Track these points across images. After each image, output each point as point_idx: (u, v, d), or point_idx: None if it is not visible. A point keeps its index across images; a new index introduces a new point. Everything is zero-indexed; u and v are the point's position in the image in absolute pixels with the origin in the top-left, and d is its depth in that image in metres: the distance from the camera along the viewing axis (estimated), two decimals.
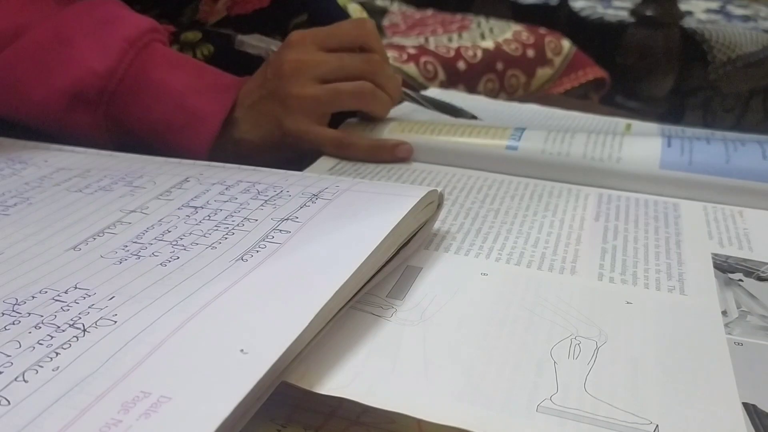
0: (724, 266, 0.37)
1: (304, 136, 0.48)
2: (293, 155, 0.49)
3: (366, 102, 0.50)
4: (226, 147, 0.49)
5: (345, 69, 0.48)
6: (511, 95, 1.27)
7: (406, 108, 0.60)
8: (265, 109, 0.48)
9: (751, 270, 0.36)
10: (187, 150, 0.47)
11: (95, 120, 0.48)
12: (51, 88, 0.47)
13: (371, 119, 0.53)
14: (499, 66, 1.28)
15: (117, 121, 0.49)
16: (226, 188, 0.39)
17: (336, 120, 0.54)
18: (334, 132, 0.50)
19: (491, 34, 1.37)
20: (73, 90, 0.47)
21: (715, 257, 0.38)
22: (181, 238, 0.33)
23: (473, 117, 0.56)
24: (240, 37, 0.54)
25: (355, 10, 0.73)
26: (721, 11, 1.84)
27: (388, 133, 0.52)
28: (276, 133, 0.48)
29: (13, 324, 0.27)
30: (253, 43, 0.54)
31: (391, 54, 1.17)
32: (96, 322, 0.27)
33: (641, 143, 0.48)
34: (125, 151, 0.47)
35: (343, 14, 0.73)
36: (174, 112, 0.48)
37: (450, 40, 1.33)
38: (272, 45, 0.53)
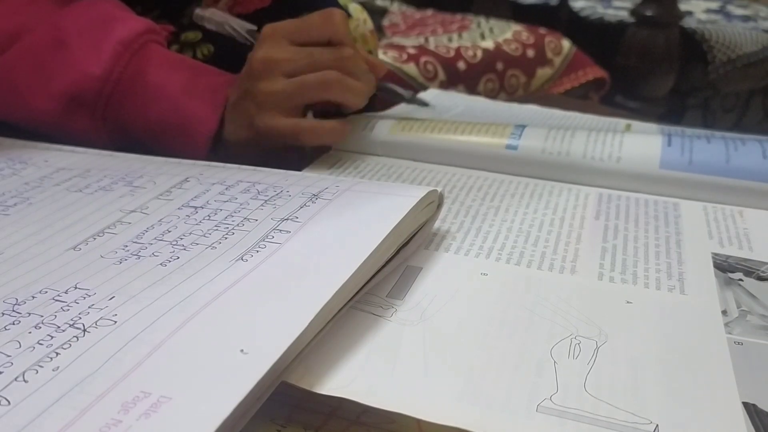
0: (724, 266, 0.37)
1: (272, 131, 0.47)
2: (285, 152, 0.49)
3: (334, 91, 0.48)
4: (219, 148, 0.49)
5: (314, 64, 0.48)
6: (511, 95, 1.27)
7: (406, 107, 0.60)
8: (242, 109, 0.48)
9: (751, 270, 0.36)
10: (184, 152, 0.47)
11: (94, 123, 0.48)
12: (49, 92, 0.47)
13: (350, 112, 0.51)
14: (499, 66, 1.28)
15: (115, 123, 0.49)
16: (226, 188, 0.39)
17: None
18: (292, 120, 0.48)
19: (491, 34, 1.37)
20: (70, 93, 0.47)
21: (715, 257, 0.38)
22: (181, 238, 0.33)
23: (425, 104, 0.56)
24: (198, 11, 0.53)
25: (356, 10, 0.73)
26: (721, 11, 1.84)
27: (389, 131, 0.52)
28: (251, 132, 0.48)
29: (13, 324, 0.27)
30: (210, 17, 0.53)
31: (391, 54, 1.17)
32: (96, 322, 0.27)
33: (641, 143, 0.48)
34: (125, 152, 0.47)
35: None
36: (170, 115, 0.48)
37: (450, 40, 1.33)
38: (230, 20, 0.53)
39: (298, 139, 0.48)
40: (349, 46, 0.49)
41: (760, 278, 0.36)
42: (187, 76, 0.49)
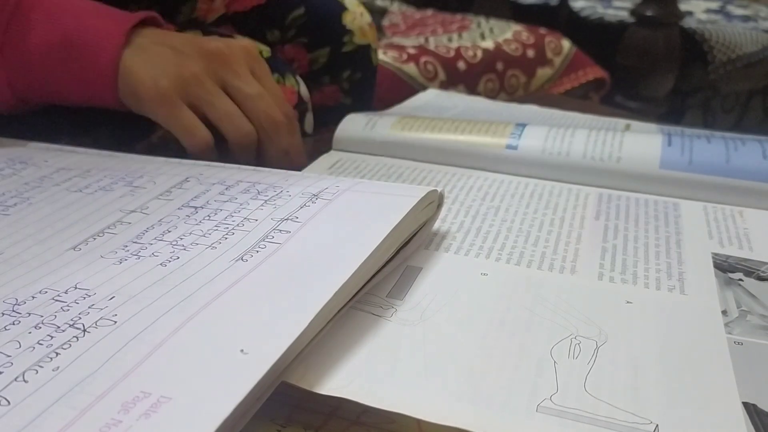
0: (724, 266, 0.37)
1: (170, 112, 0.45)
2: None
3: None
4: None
5: (253, 107, 0.45)
6: (511, 95, 1.27)
7: (407, 105, 0.61)
8: (167, 59, 0.45)
9: (751, 270, 0.36)
10: (92, 71, 0.44)
11: None
12: None
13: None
14: (499, 66, 1.28)
15: (12, 55, 0.45)
16: (226, 188, 0.39)
17: (336, 119, 0.54)
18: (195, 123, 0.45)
19: (491, 34, 1.37)
20: None
21: (715, 257, 0.38)
22: (181, 238, 0.33)
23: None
24: None
25: (353, 4, 0.72)
26: (721, 11, 1.84)
27: (390, 130, 0.52)
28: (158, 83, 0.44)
29: (13, 324, 0.27)
30: None
31: (391, 54, 1.17)
32: (96, 322, 0.27)
33: (641, 143, 0.48)
34: (23, 108, 0.44)
35: (339, 7, 0.72)
36: (72, 31, 0.45)
37: (450, 40, 1.33)
38: None
39: (181, 135, 0.45)
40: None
41: (760, 278, 0.36)
42: (89, 2, 0.47)
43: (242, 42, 0.47)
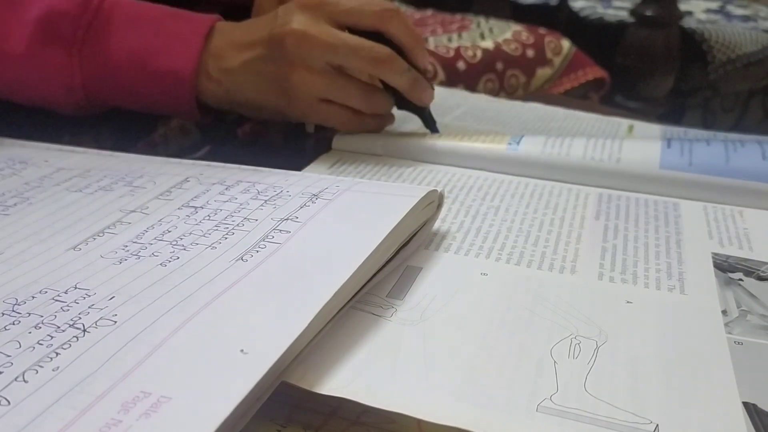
0: (724, 266, 0.37)
1: (308, 117, 0.48)
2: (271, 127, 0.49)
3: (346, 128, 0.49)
4: (214, 85, 0.47)
5: (351, 63, 0.46)
6: (511, 95, 1.27)
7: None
8: (268, 70, 0.46)
9: (751, 269, 0.36)
10: (172, 73, 0.46)
11: (69, 59, 0.46)
12: (23, 19, 0.45)
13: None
14: (499, 66, 1.28)
15: (91, 58, 0.46)
16: (226, 188, 0.39)
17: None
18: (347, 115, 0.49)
19: (491, 34, 1.37)
20: (46, 20, 0.45)
21: (715, 257, 0.38)
22: (181, 238, 0.33)
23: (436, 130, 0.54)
24: None
25: None
26: (721, 11, 1.84)
27: (388, 134, 0.52)
28: (277, 102, 0.47)
29: (13, 324, 0.27)
30: None
31: None
32: (96, 322, 0.27)
33: (641, 144, 0.48)
34: (97, 105, 0.45)
35: None
36: (153, 37, 0.46)
37: (450, 40, 1.33)
38: None
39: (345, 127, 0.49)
40: (408, 44, 0.47)
41: (760, 278, 0.36)
42: (167, 8, 0.48)
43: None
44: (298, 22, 0.45)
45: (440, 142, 0.50)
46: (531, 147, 0.48)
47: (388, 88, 0.49)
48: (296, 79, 0.46)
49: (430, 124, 0.52)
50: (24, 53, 0.46)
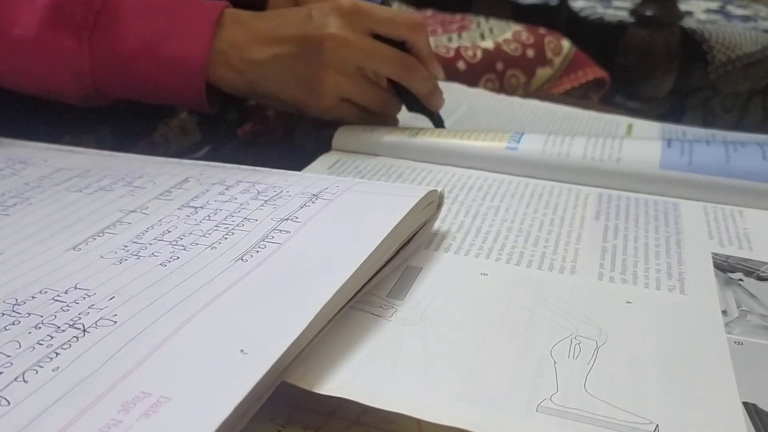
0: (724, 266, 0.37)
1: (329, 113, 0.50)
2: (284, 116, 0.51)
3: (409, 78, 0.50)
4: (233, 71, 0.48)
5: (383, 70, 0.50)
6: (511, 95, 1.27)
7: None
8: (301, 69, 0.48)
9: (751, 270, 0.36)
10: (184, 60, 0.46)
11: (79, 45, 0.46)
12: (34, 3, 0.45)
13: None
14: (499, 66, 1.28)
15: (101, 44, 0.47)
16: (226, 188, 0.39)
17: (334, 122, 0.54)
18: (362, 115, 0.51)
19: (491, 34, 1.37)
20: (57, 4, 0.45)
21: (715, 257, 0.38)
22: (181, 238, 0.33)
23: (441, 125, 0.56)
24: None
25: None
26: (721, 11, 1.84)
27: (389, 131, 0.52)
28: (302, 97, 0.49)
29: (13, 324, 0.27)
30: None
31: None
32: (96, 322, 0.27)
33: (641, 143, 0.48)
34: (105, 92, 0.46)
35: None
36: (165, 23, 0.47)
37: (450, 40, 1.33)
38: None
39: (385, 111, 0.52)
40: (426, 64, 0.51)
41: (760, 278, 0.36)
42: None
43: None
44: (337, 26, 0.47)
45: (440, 142, 0.50)
46: (532, 145, 0.48)
47: (398, 92, 0.53)
48: (328, 80, 0.48)
49: (439, 122, 0.55)
50: (33, 38, 0.46)
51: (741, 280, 0.35)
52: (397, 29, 0.49)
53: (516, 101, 0.67)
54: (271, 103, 0.53)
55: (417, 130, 0.51)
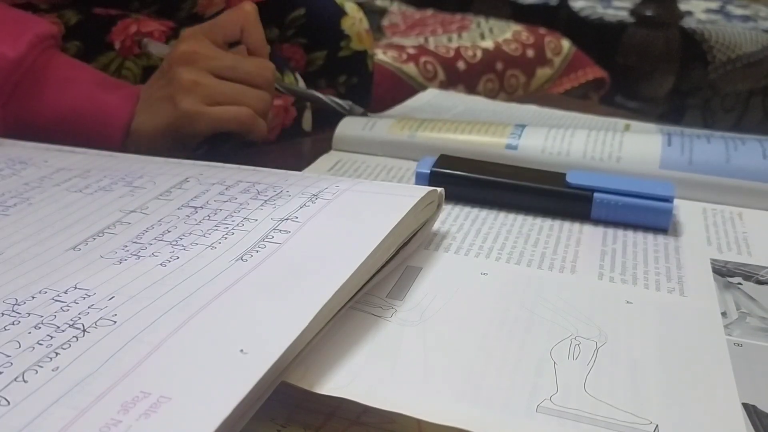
0: (723, 271, 0.37)
1: (200, 116, 0.48)
2: (189, 142, 0.50)
3: (244, 128, 0.49)
4: (130, 143, 0.49)
5: (236, 69, 0.49)
6: (511, 95, 1.27)
7: (407, 105, 0.60)
8: (160, 95, 0.48)
9: (750, 274, 0.36)
10: (98, 141, 0.47)
11: None
12: None
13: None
14: (499, 66, 1.28)
15: (16, 113, 0.48)
16: (226, 188, 0.39)
17: (334, 122, 0.54)
18: (239, 109, 0.49)
19: (491, 34, 1.37)
20: None
21: (714, 262, 0.37)
22: (181, 238, 0.33)
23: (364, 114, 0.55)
24: (145, 41, 0.55)
25: (352, 9, 0.73)
26: (721, 11, 1.84)
27: (388, 131, 0.52)
28: (170, 116, 0.48)
29: (13, 324, 0.27)
30: (154, 50, 0.54)
31: (390, 54, 1.17)
32: (96, 322, 0.27)
33: (641, 143, 0.48)
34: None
35: (339, 11, 0.73)
36: (84, 103, 0.48)
37: (450, 40, 1.33)
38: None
39: (243, 128, 0.49)
40: (257, 39, 0.51)
41: (759, 282, 0.36)
42: (96, 74, 0.50)
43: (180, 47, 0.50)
44: (183, 46, 0.48)
45: (440, 142, 0.50)
46: (531, 142, 0.48)
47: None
48: (187, 81, 0.47)
49: (338, 105, 0.55)
50: None
51: (740, 283, 0.35)
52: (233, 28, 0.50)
53: (513, 106, 0.67)
54: (155, 143, 0.51)
55: (416, 128, 0.51)
